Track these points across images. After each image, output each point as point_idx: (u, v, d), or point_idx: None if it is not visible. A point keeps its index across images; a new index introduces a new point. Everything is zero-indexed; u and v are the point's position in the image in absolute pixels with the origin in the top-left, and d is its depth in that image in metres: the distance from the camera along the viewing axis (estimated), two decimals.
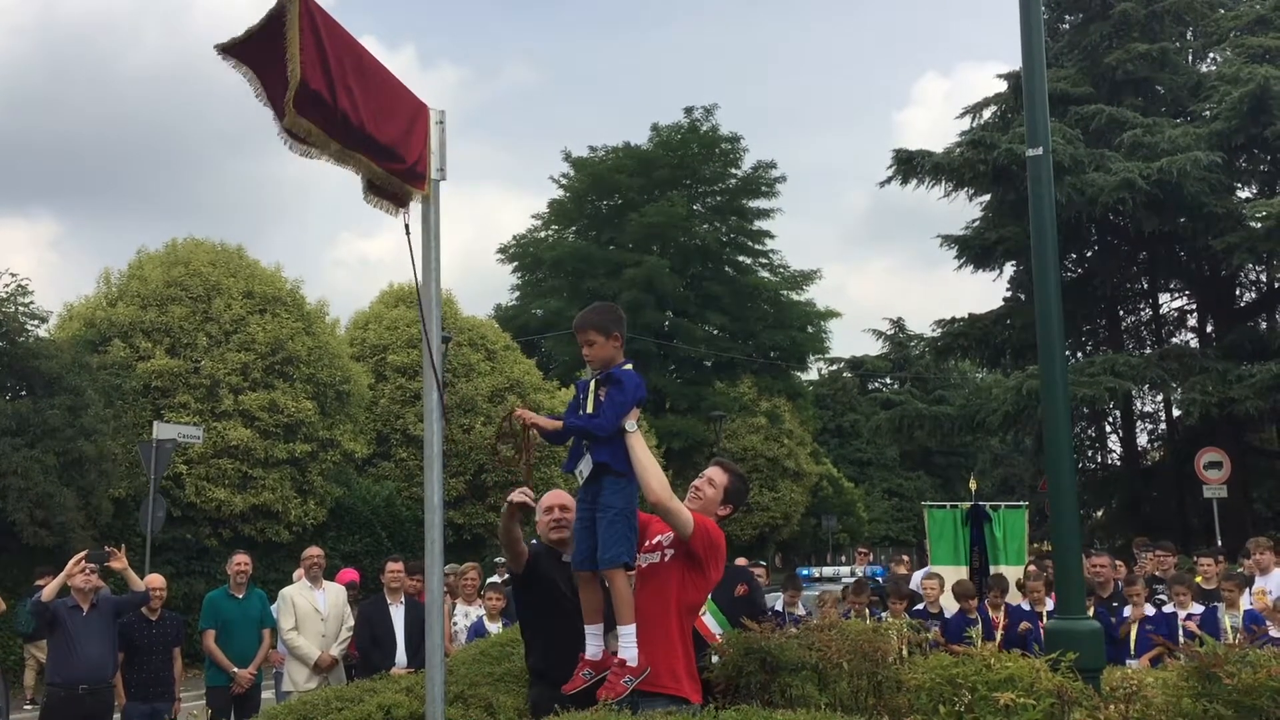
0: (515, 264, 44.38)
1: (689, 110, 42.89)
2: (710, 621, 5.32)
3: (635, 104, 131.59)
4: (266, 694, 10.21)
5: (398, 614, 9.29)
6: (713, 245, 42.54)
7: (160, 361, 20.95)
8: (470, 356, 27.86)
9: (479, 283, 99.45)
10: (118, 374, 20.46)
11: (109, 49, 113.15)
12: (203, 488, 20.70)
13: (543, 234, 44.29)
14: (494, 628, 9.33)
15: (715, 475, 4.86)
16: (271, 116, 3.30)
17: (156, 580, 9.59)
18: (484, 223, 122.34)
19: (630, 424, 4.36)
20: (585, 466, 4.40)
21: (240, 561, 10.04)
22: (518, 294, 44.87)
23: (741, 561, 11.83)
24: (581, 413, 4.49)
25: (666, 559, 4.46)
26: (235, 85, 3.21)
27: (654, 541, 4.54)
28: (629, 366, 4.49)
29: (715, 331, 42.01)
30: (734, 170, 43.39)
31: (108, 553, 8.80)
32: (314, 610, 9.52)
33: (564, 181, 43.12)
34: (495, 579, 12.31)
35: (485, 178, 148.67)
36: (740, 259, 43.74)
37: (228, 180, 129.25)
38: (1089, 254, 27.93)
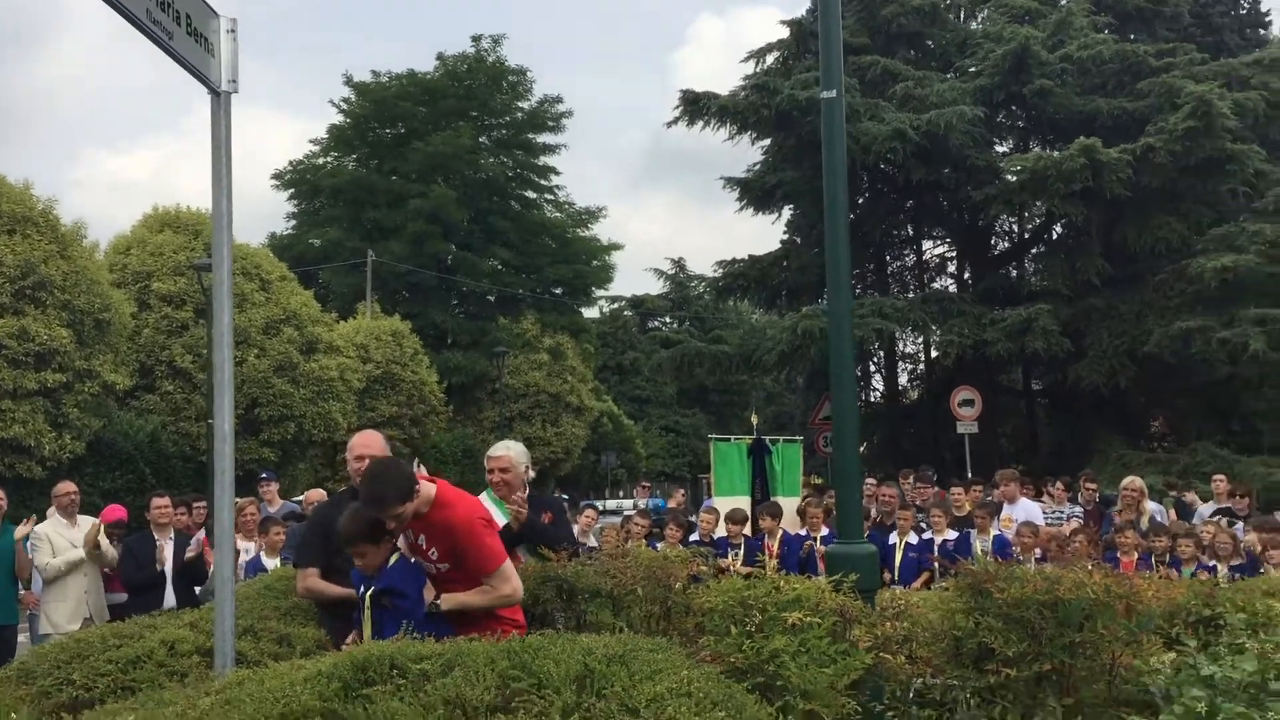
0: (291, 191, 42.62)
1: (476, 39, 42.11)
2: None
3: (418, 31, 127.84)
4: (22, 638, 9.61)
5: (167, 550, 8.99)
6: (499, 179, 42.06)
7: None
8: (243, 286, 26.67)
9: (246, 208, 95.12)
10: None
11: None
12: None
13: (321, 160, 42.66)
14: (271, 564, 9.11)
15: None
16: None
17: None
18: (252, 146, 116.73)
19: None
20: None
21: None
22: (294, 222, 43.20)
23: None
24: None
25: (445, 569, 4.45)
26: None
27: (426, 551, 4.48)
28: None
29: (499, 266, 41.70)
30: (521, 104, 42.92)
31: None
32: (71, 547, 9.01)
33: (344, 106, 41.60)
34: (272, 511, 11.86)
35: (254, 99, 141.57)
36: (526, 194, 43.45)
37: None
38: (860, 201, 29.10)
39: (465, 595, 4.37)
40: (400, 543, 4.46)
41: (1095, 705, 4.20)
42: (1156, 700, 3.95)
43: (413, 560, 4.46)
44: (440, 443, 34.62)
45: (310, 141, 49.63)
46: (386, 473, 4.28)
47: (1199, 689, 3.52)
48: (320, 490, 11.87)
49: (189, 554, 8.96)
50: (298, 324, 27.69)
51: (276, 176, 42.68)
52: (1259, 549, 9.12)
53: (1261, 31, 35.07)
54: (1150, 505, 11.22)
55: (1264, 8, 35.73)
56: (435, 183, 39.44)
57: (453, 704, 2.89)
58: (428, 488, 4.36)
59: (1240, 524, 10.30)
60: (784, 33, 29.35)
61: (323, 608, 4.96)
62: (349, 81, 41.43)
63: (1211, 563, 9.08)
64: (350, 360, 29.95)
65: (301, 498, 11.87)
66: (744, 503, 11.32)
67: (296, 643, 4.51)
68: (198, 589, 9.08)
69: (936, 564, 9.43)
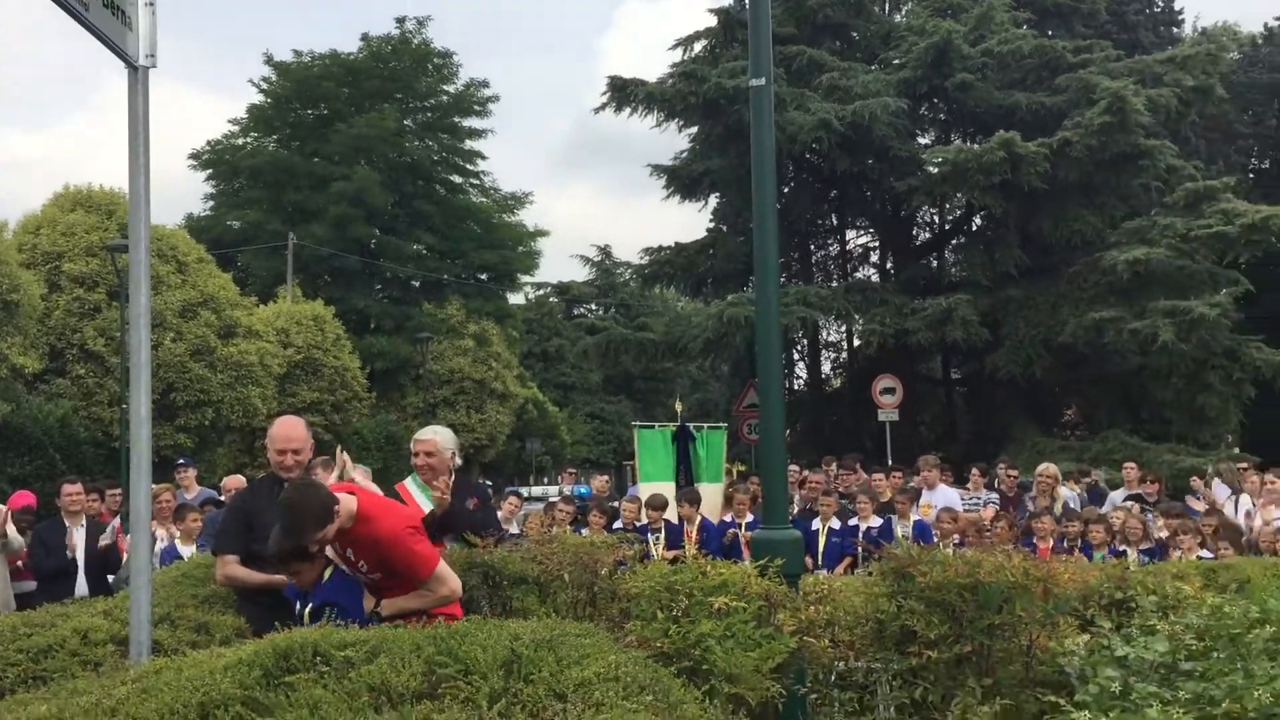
0: (209, 171, 41.72)
1: (400, 21, 41.57)
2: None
3: (341, 11, 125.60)
4: None
5: (78, 537, 8.82)
6: (423, 162, 41.62)
7: None
8: (159, 268, 26.06)
9: (162, 189, 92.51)
10: None
11: None
12: None
13: (240, 141, 41.80)
14: (187, 551, 8.98)
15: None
16: None
17: None
18: (169, 124, 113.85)
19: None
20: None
21: None
22: (212, 203, 42.33)
23: None
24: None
25: (378, 579, 4.43)
26: None
27: (355, 564, 4.44)
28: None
29: (424, 251, 41.29)
30: (446, 87, 42.48)
31: None
32: None
33: (265, 86, 40.80)
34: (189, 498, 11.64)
35: (169, 76, 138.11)
36: (451, 178, 43.06)
37: None
38: (786, 190, 29.27)
39: (404, 600, 4.34)
40: (330, 553, 4.41)
41: (1013, 686, 4.29)
42: (1072, 680, 4.05)
43: (346, 572, 4.44)
44: (363, 429, 34.24)
45: (229, 121, 48.58)
46: (302, 502, 4.18)
47: (1112, 669, 3.61)
48: (239, 476, 11.66)
49: (103, 542, 8.77)
50: (215, 307, 27.18)
51: (194, 156, 41.77)
52: (1166, 534, 9.39)
53: (1174, 30, 36.04)
54: (1064, 491, 11.50)
55: (1177, 6, 36.65)
56: (358, 165, 38.91)
57: (378, 691, 2.86)
58: (348, 503, 4.27)
59: (1150, 510, 10.59)
60: (711, 21, 29.37)
61: (242, 595, 4.88)
62: (270, 61, 40.69)
63: (1122, 547, 9.33)
64: (270, 345, 29.48)
65: (223, 484, 11.66)
66: (668, 489, 11.36)
67: (215, 631, 4.43)
68: (110, 577, 8.89)
69: (860, 549, 9.56)
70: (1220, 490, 11.27)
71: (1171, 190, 24.19)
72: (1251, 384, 23.02)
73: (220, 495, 10.72)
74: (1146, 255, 21.76)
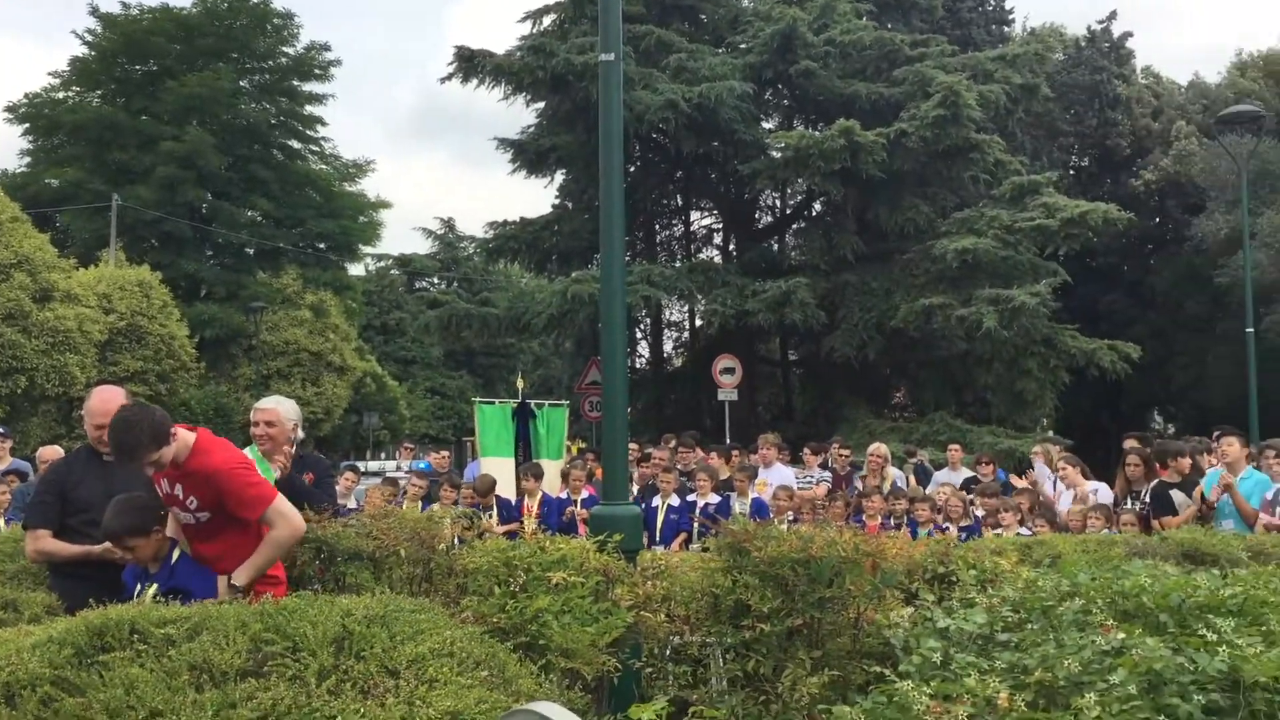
0: (26, 126, 39.36)
1: None
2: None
3: None
4: None
5: None
6: (260, 125, 40.16)
7: None
8: None
9: None
10: None
11: None
12: None
13: (62, 95, 39.57)
14: None
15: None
16: None
17: None
18: None
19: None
20: None
21: None
22: (28, 160, 39.99)
23: None
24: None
25: (205, 519, 4.32)
26: None
27: (184, 501, 4.30)
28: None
29: (259, 217, 39.88)
30: (286, 49, 41.05)
31: None
32: None
33: (90, 38, 38.69)
34: None
35: None
36: (290, 143, 41.68)
37: None
38: (632, 169, 29.37)
39: (253, 560, 4.23)
40: (160, 490, 4.28)
41: (841, 657, 4.42)
42: (896, 652, 4.18)
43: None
44: (190, 400, 33.01)
45: (50, 74, 45.85)
46: (137, 419, 4.12)
47: (934, 640, 3.74)
48: (55, 447, 11.07)
49: None
50: (31, 269, 25.79)
51: (10, 109, 39.40)
52: (984, 513, 9.87)
53: (1005, 29, 37.57)
54: (892, 471, 11.92)
55: (1008, 5, 38.17)
56: (190, 125, 37.30)
57: (199, 669, 2.75)
58: (186, 435, 4.26)
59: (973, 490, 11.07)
60: None
61: (55, 571, 4.65)
62: (95, 11, 38.60)
63: (945, 524, 9.74)
64: (90, 310, 28.11)
65: (36, 454, 11.04)
66: (508, 465, 11.32)
67: (24, 608, 4.20)
68: None
69: (697, 525, 9.71)
70: (1042, 470, 11.85)
71: (999, 183, 25.25)
72: (1066, 370, 24.33)
73: (34, 467, 10.17)
74: (974, 245, 22.65)
